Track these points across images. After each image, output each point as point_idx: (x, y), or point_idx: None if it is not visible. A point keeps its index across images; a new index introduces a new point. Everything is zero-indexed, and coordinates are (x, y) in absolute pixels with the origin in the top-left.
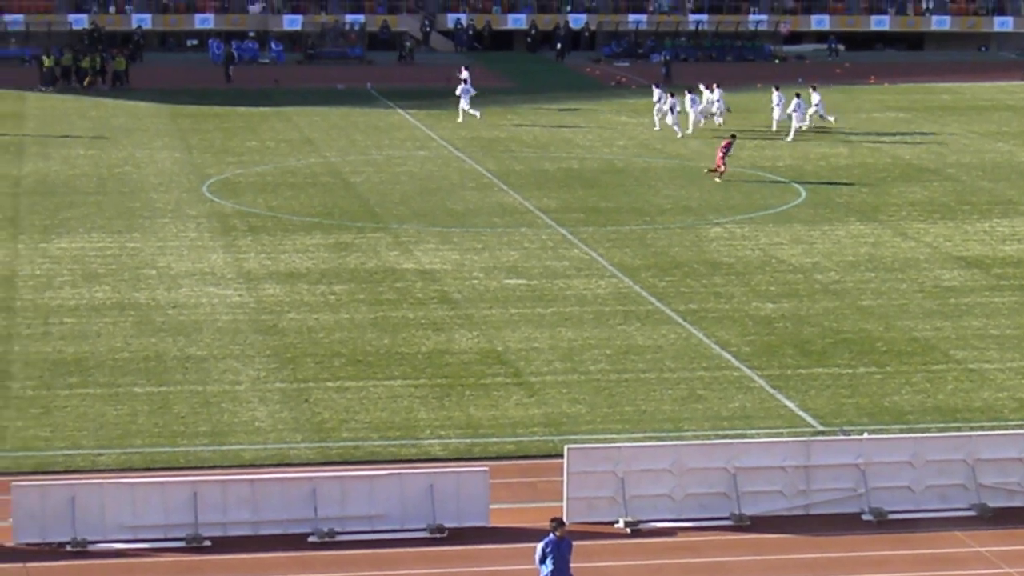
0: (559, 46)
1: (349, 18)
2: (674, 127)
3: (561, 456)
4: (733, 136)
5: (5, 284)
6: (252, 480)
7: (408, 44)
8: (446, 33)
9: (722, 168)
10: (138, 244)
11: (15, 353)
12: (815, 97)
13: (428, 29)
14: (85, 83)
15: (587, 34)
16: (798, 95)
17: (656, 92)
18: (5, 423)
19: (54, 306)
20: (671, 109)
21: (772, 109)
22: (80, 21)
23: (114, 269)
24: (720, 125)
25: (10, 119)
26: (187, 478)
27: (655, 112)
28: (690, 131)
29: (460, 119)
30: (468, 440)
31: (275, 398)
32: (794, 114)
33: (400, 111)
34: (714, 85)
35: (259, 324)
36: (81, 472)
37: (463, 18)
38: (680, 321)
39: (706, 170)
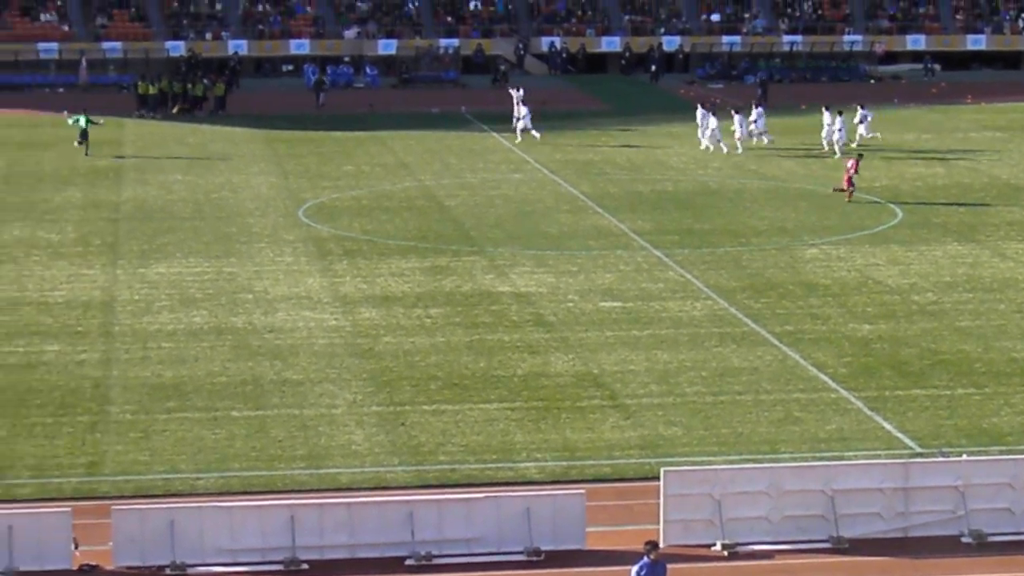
0: (653, 68)
1: (443, 42)
2: (721, 145)
3: (658, 478)
4: (860, 155)
5: (104, 309)
6: (349, 503)
7: (502, 68)
8: (540, 56)
9: (850, 187)
10: (235, 269)
11: (114, 378)
12: (858, 115)
13: (522, 52)
14: (175, 110)
15: (681, 56)
16: (840, 112)
17: (700, 112)
18: (105, 447)
19: (152, 331)
20: (715, 129)
21: (824, 128)
22: (177, 48)
23: (211, 294)
24: (768, 144)
25: (109, 145)
26: (284, 501)
27: (699, 133)
28: (739, 150)
29: (519, 140)
30: (564, 463)
31: (372, 421)
32: (837, 132)
33: (494, 134)
34: (754, 104)
35: (355, 348)
36: (180, 496)
37: (557, 41)
38: (776, 343)
39: (833, 188)
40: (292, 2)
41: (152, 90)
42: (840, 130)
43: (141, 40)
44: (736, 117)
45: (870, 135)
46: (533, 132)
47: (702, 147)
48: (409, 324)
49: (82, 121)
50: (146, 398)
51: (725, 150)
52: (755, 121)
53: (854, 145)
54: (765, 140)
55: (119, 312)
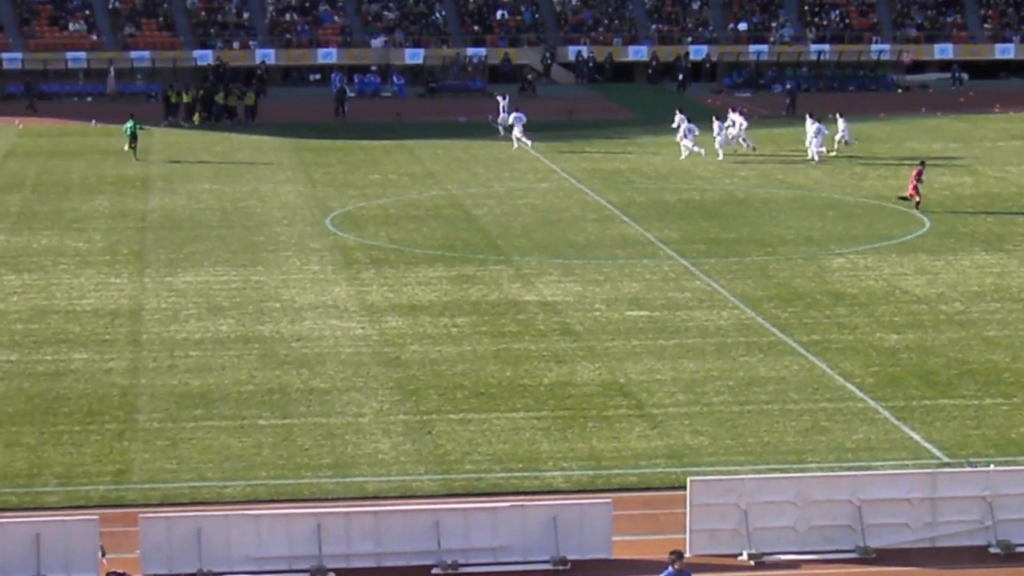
0: (680, 77)
1: (471, 51)
2: (695, 149)
3: (684, 488)
4: (922, 163)
5: (132, 318)
6: (376, 512)
7: (529, 77)
8: (567, 65)
9: (915, 196)
10: (262, 277)
11: (141, 386)
12: (841, 123)
13: (549, 62)
14: (195, 119)
15: (708, 65)
16: (819, 120)
17: (677, 117)
18: (132, 455)
19: (180, 339)
20: (687, 133)
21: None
22: (205, 57)
23: (238, 302)
24: (750, 150)
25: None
26: (311, 510)
27: (679, 139)
28: (720, 157)
29: (515, 148)
30: (591, 472)
31: (398, 430)
32: (813, 140)
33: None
34: (739, 110)
35: (382, 356)
36: (207, 504)
37: (584, 50)
38: (803, 352)
39: (897, 197)
40: (320, 11)
41: (186, 98)
42: (817, 136)
43: (169, 49)
44: (715, 124)
45: (847, 143)
46: (524, 140)
47: (682, 156)
48: (436, 333)
49: (132, 126)
50: (173, 406)
51: (703, 153)
52: (730, 127)
53: (833, 154)
54: (745, 146)
55: (147, 320)
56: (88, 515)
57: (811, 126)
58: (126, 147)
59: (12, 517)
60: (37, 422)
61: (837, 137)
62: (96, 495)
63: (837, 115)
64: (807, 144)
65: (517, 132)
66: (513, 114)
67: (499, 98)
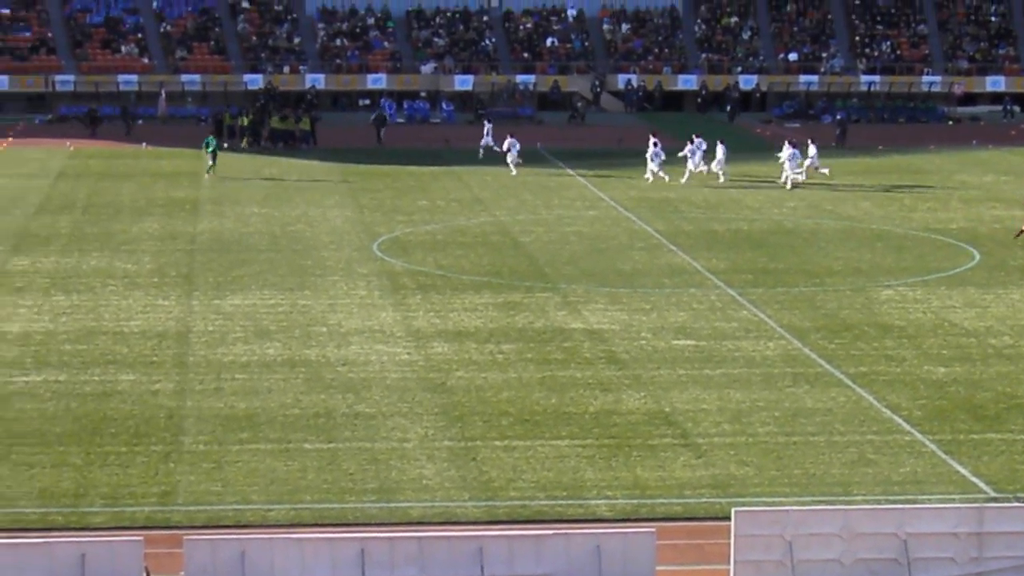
0: (729, 107)
1: (520, 78)
2: (661, 174)
3: (728, 519)
4: None
5: (179, 340)
6: (419, 538)
7: (579, 104)
8: (616, 94)
9: None
10: (309, 301)
11: (188, 408)
12: (811, 150)
13: (598, 90)
14: (243, 143)
15: (758, 95)
16: (794, 145)
17: (691, 144)
18: (178, 477)
19: (226, 362)
20: (652, 158)
21: (782, 162)
22: (255, 81)
23: (285, 326)
24: (720, 180)
25: (186, 177)
26: (355, 535)
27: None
28: (683, 180)
29: (648, 178)
30: (635, 501)
31: (443, 456)
32: (787, 163)
33: (569, 171)
34: (718, 142)
35: (427, 382)
36: (251, 527)
37: (634, 79)
38: (850, 384)
39: (1016, 235)
40: (370, 37)
41: (244, 122)
42: (789, 161)
43: (220, 73)
44: (687, 147)
45: (825, 169)
46: (512, 165)
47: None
48: (481, 359)
49: (214, 144)
50: (219, 429)
51: (666, 178)
52: (694, 156)
53: (801, 179)
54: (721, 178)
55: (194, 343)
56: (133, 536)
57: (787, 150)
58: (209, 162)
59: (58, 537)
60: (84, 442)
61: (807, 163)
62: (141, 516)
63: (809, 141)
64: (781, 169)
65: (511, 158)
66: (508, 139)
67: (485, 122)
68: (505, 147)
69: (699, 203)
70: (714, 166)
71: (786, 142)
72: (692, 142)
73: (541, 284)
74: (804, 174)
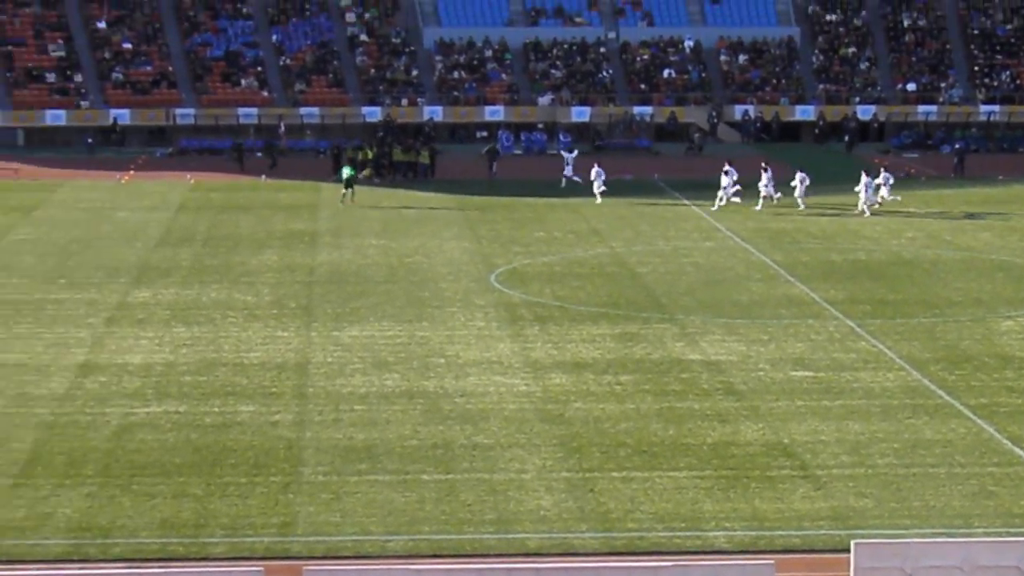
0: (847, 138)
1: (637, 110)
2: (728, 199)
3: (848, 551)
4: None
5: (298, 371)
6: (537, 569)
7: (696, 136)
8: (733, 125)
9: None
10: (427, 333)
11: (307, 439)
12: (764, 178)
13: (715, 121)
14: (364, 174)
15: (876, 125)
16: (867, 174)
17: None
18: (297, 508)
19: (345, 393)
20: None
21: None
22: (373, 114)
23: (403, 357)
24: (799, 207)
25: (305, 209)
26: (473, 566)
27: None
28: (716, 207)
29: (714, 208)
30: (753, 532)
31: (560, 487)
32: (861, 193)
33: (686, 202)
34: (764, 166)
35: (545, 413)
36: (370, 558)
37: (751, 110)
38: (970, 415)
39: None
40: (487, 69)
41: (368, 154)
42: (867, 189)
43: (338, 106)
44: (864, 179)
45: (891, 198)
46: (597, 194)
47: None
48: (599, 390)
49: (350, 173)
50: (338, 460)
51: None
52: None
53: (876, 206)
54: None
55: (313, 374)
56: (253, 567)
57: (863, 179)
58: (344, 189)
59: (179, 567)
60: (204, 473)
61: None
62: (261, 547)
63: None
64: (795, 194)
65: (597, 187)
66: (594, 168)
67: (564, 153)
68: (592, 176)
69: (816, 233)
70: (796, 195)
71: (862, 172)
72: (766, 171)
73: (658, 315)
74: (871, 203)
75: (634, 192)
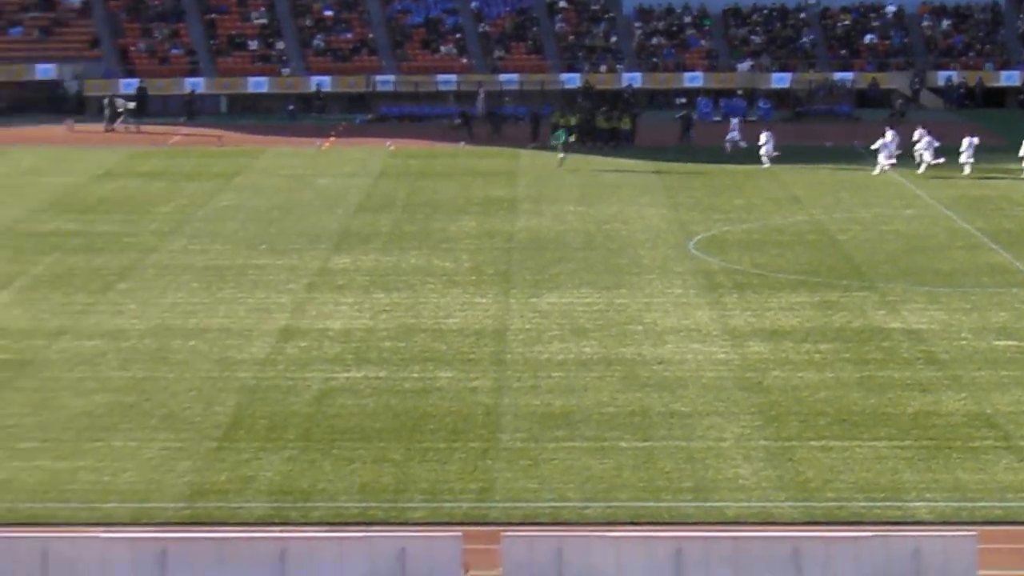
0: None
1: (838, 76)
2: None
3: None
4: None
5: (497, 338)
6: (735, 538)
7: (898, 102)
8: (936, 91)
9: None
10: (625, 300)
11: (505, 406)
12: (918, 133)
13: (918, 87)
14: (571, 138)
15: None
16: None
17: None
18: (495, 474)
19: (543, 360)
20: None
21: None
22: (572, 80)
23: (601, 324)
24: (964, 172)
25: (504, 176)
26: (671, 534)
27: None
28: (875, 172)
29: (876, 172)
30: (955, 504)
31: (759, 456)
32: (924, 152)
33: (887, 168)
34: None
35: (743, 381)
36: (567, 524)
37: (954, 75)
38: None
39: None
40: (686, 35)
41: (571, 121)
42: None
43: (537, 72)
44: (879, 141)
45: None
46: (766, 158)
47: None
48: (798, 359)
49: (563, 136)
50: (536, 426)
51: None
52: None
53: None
54: (967, 169)
55: (511, 341)
56: (452, 532)
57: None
58: (561, 154)
59: (379, 531)
60: (404, 438)
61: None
62: (459, 512)
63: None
64: (960, 159)
65: (766, 151)
66: (763, 133)
67: (731, 119)
68: (762, 140)
69: (1021, 201)
70: (962, 159)
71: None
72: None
73: (858, 283)
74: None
75: (834, 159)
